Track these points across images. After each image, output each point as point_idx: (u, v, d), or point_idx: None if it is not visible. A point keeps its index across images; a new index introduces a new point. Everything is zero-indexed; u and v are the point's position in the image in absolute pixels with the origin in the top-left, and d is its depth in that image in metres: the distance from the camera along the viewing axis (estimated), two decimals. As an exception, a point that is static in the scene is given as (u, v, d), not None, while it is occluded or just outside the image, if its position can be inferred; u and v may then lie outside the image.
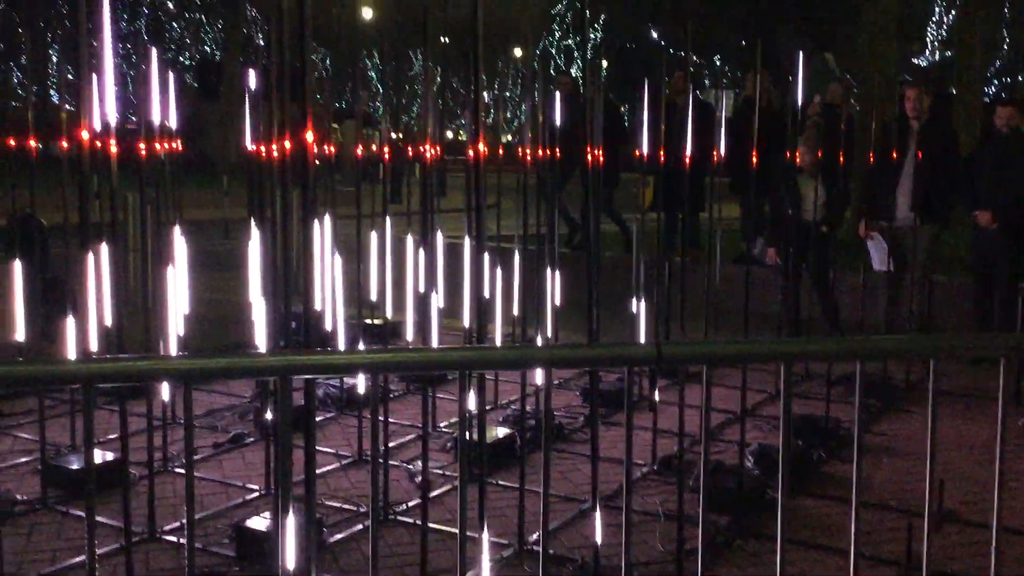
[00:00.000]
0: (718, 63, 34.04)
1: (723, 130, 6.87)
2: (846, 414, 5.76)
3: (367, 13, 34.00)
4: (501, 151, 7.85)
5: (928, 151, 7.66)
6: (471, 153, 3.95)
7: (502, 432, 5.48)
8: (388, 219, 5.68)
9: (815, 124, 8.23)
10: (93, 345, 4.72)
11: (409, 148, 6.68)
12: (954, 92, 14.80)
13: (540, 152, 5.97)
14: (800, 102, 6.41)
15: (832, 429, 5.69)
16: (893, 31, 12.16)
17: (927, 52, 34.94)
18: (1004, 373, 2.38)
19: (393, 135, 9.52)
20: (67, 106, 6.29)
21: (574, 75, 20.60)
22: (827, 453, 5.46)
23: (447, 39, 7.42)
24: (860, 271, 7.10)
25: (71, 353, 4.66)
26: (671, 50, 32.68)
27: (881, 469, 5.37)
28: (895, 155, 7.67)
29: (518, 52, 38.53)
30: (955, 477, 5.09)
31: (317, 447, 5.04)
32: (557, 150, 5.63)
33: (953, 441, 5.81)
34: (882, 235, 7.81)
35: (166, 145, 6.00)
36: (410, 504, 4.72)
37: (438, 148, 6.01)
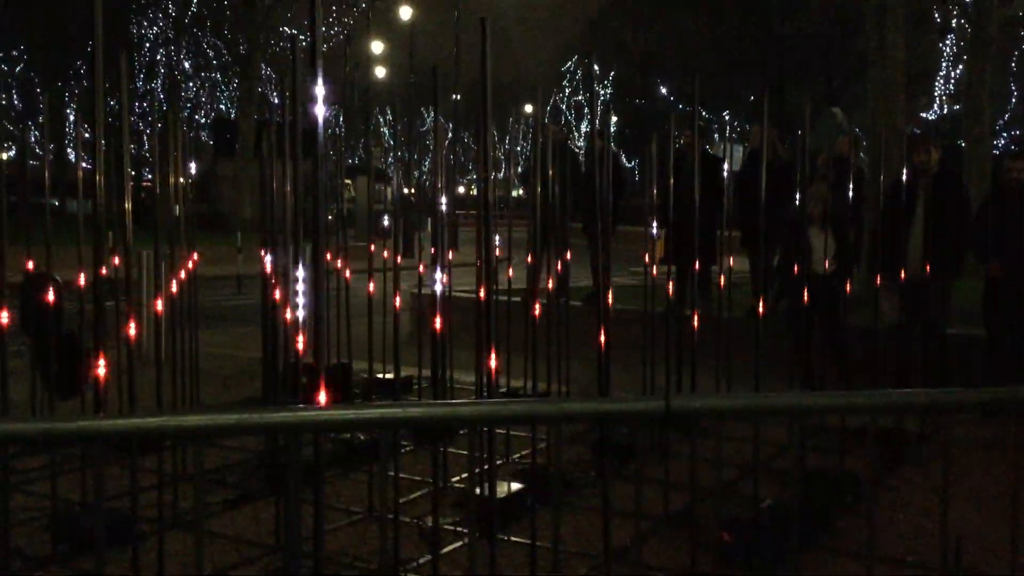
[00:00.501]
0: (727, 118, 34.33)
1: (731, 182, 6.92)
2: (861, 467, 5.71)
3: (380, 72, 34.50)
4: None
5: (938, 203, 7.68)
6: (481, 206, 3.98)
7: (513, 487, 5.44)
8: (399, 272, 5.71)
9: (824, 177, 8.26)
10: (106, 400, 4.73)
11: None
12: (963, 145, 14.87)
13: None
14: (808, 154, 6.45)
15: (846, 482, 5.63)
16: (901, 85, 12.25)
17: (935, 106, 35.15)
18: (1016, 425, 2.38)
19: (405, 190, 9.62)
20: (84, 164, 6.38)
21: (570, 127, 20.83)
22: (842, 507, 5.41)
23: (458, 96, 7.52)
24: (872, 323, 7.07)
25: (86, 409, 4.68)
26: (680, 105, 33.02)
27: (896, 523, 5.31)
28: (905, 207, 7.69)
29: (529, 108, 38.94)
30: (972, 531, 5.02)
31: (327, 503, 5.04)
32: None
33: (969, 494, 5.74)
34: (893, 287, 7.80)
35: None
36: (420, 561, 4.68)
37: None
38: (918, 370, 7.47)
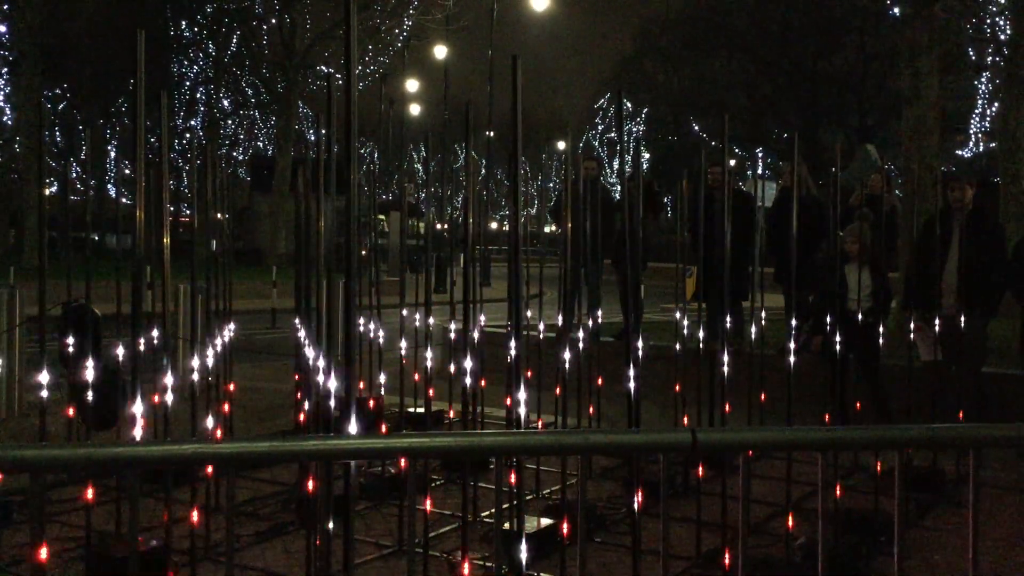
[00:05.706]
0: (760, 155, 34.32)
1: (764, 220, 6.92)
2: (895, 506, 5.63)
3: (414, 109, 34.90)
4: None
5: (973, 241, 7.62)
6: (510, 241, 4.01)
7: (543, 522, 5.43)
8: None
9: (863, 215, 8.23)
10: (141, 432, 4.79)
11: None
12: (999, 182, 14.74)
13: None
14: (840, 192, 6.44)
15: (880, 522, 5.57)
16: (935, 124, 12.18)
17: (971, 144, 34.89)
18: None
19: (438, 226, 9.70)
20: (124, 199, 6.51)
21: (602, 163, 20.96)
22: (875, 548, 5.34)
23: (491, 132, 7.62)
24: (907, 361, 7.01)
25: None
26: (712, 142, 33.06)
27: (931, 564, 5.23)
28: (939, 245, 7.64)
29: (561, 145, 39.15)
30: (1008, 573, 4.94)
31: (357, 536, 5.05)
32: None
33: (1006, 536, 5.65)
34: (928, 325, 7.72)
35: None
36: (450, 595, 4.68)
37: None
38: (954, 409, 7.37)
